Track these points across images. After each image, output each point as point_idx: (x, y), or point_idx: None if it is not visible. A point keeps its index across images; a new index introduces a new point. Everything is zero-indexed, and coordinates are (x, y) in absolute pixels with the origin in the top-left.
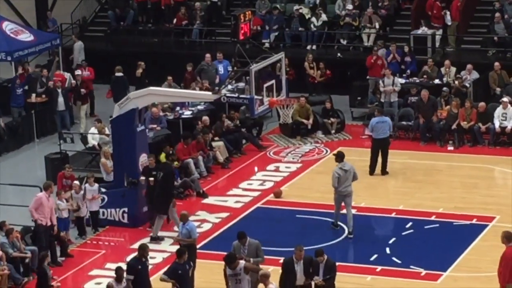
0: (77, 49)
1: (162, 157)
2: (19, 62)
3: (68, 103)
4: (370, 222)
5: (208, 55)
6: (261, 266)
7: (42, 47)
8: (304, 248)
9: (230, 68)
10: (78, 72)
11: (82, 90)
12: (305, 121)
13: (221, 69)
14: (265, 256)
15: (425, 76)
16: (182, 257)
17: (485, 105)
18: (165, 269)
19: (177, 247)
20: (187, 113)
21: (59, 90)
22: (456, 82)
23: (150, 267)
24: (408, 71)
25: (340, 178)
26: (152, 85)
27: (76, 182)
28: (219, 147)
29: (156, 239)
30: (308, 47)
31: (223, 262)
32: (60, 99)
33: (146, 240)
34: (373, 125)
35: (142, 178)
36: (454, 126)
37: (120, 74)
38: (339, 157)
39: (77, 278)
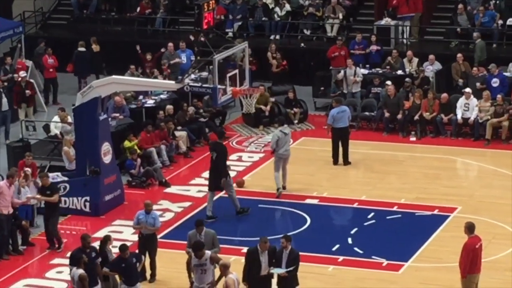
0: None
1: (127, 143)
2: None
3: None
4: (332, 212)
5: (170, 44)
6: (220, 255)
7: (4, 34)
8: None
9: (193, 58)
10: (22, 73)
11: (27, 91)
12: (262, 107)
13: (184, 58)
14: (228, 246)
15: (388, 67)
16: (124, 253)
17: (448, 96)
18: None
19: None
20: (150, 102)
21: (2, 90)
22: (420, 74)
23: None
24: (374, 49)
25: (279, 141)
26: (114, 72)
27: (28, 169)
28: (181, 136)
29: (212, 218)
30: (272, 37)
31: (184, 252)
32: (4, 100)
33: (108, 229)
34: (334, 115)
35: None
36: (416, 117)
37: (83, 49)
38: (280, 121)
39: (39, 266)
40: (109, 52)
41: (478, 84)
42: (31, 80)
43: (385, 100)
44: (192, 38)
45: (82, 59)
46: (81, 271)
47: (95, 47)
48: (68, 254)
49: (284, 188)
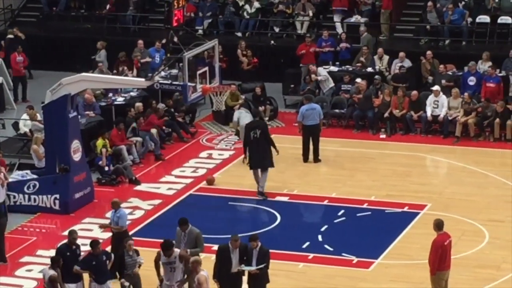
0: None
1: (99, 143)
2: None
3: None
4: (302, 210)
5: (140, 41)
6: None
7: None
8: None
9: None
10: None
11: None
12: (235, 102)
13: (157, 57)
14: None
15: (358, 64)
16: (95, 249)
17: (418, 94)
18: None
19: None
20: (119, 100)
21: None
22: (398, 70)
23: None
24: (344, 47)
25: (240, 118)
26: (84, 69)
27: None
28: (152, 134)
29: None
30: (240, 34)
31: (155, 249)
32: None
33: (78, 227)
34: (303, 112)
35: None
36: (386, 114)
37: (12, 36)
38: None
39: (8, 265)
40: (79, 50)
41: (443, 81)
42: None
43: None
44: (164, 41)
45: (12, 46)
46: (52, 272)
47: (21, 35)
48: (38, 252)
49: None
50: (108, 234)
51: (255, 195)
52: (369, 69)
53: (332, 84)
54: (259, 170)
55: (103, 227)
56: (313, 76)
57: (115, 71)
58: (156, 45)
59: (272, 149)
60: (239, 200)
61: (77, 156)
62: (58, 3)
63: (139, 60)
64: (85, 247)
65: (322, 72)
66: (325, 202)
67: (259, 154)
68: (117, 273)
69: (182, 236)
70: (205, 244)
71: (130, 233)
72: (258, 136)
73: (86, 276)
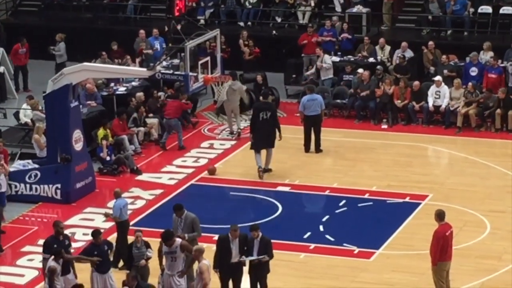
0: None
1: (101, 133)
2: None
3: None
4: (303, 200)
5: (142, 31)
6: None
7: None
8: (239, 225)
9: (165, 45)
10: None
11: None
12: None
13: (156, 45)
14: None
15: (360, 55)
16: (97, 238)
17: (419, 84)
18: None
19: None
20: (121, 89)
21: None
22: (398, 61)
23: (81, 244)
24: (345, 37)
25: (228, 93)
26: (86, 59)
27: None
28: (153, 124)
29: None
30: (242, 24)
31: (157, 239)
32: None
33: (79, 216)
34: (304, 103)
35: None
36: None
37: None
38: (231, 75)
39: (9, 254)
40: (81, 39)
41: (445, 71)
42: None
43: (357, 86)
44: (166, 28)
45: None
46: (52, 263)
47: None
48: (40, 242)
49: (239, 133)
50: (109, 224)
51: (256, 185)
52: (371, 60)
53: (331, 75)
54: (261, 152)
55: (106, 215)
56: (318, 63)
57: (116, 61)
58: (153, 32)
59: (276, 132)
60: (240, 190)
61: (78, 146)
62: None
63: (144, 50)
64: (86, 237)
65: (327, 60)
66: (327, 192)
67: (262, 135)
68: (117, 263)
69: (178, 222)
70: (207, 234)
71: (132, 223)
72: (267, 117)
73: (87, 266)
